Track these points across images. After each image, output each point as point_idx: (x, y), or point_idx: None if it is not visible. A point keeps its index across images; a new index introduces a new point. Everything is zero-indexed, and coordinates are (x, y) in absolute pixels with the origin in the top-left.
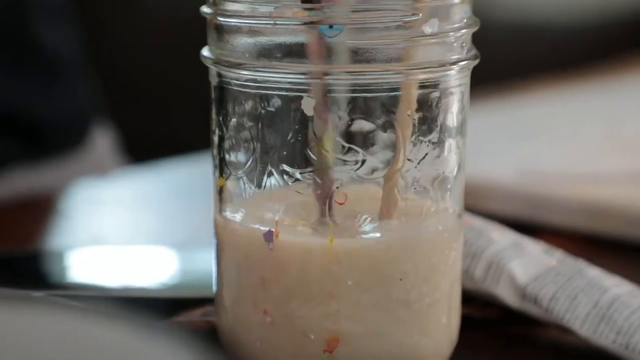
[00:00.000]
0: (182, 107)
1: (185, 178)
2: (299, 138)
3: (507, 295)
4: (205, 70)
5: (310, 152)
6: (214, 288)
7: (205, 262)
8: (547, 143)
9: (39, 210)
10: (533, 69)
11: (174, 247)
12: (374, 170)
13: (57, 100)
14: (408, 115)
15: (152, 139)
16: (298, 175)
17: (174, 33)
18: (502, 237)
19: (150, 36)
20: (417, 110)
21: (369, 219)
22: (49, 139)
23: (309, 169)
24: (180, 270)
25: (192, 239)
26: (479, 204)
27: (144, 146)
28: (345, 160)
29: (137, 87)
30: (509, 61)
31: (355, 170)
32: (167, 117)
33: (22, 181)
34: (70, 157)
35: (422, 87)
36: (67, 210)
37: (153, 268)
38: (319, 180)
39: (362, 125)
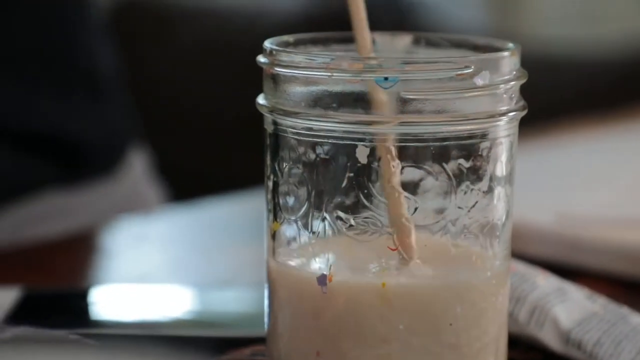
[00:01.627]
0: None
1: (225, 216)
2: (354, 185)
3: (551, 340)
4: (245, 108)
5: (364, 199)
6: (266, 328)
7: (251, 302)
8: (586, 186)
9: (81, 247)
10: (568, 111)
11: (217, 286)
12: (425, 216)
13: (95, 122)
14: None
15: (187, 169)
16: (352, 221)
17: (213, 65)
18: (545, 282)
19: (190, 68)
20: (468, 159)
21: (421, 264)
22: (85, 159)
23: (364, 215)
24: (226, 310)
25: (235, 277)
26: (518, 248)
27: (179, 175)
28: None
29: (173, 117)
30: (544, 104)
31: (409, 216)
32: (207, 150)
33: (56, 201)
34: (105, 179)
35: (472, 137)
36: (109, 247)
37: (198, 307)
38: (375, 225)
39: (415, 173)
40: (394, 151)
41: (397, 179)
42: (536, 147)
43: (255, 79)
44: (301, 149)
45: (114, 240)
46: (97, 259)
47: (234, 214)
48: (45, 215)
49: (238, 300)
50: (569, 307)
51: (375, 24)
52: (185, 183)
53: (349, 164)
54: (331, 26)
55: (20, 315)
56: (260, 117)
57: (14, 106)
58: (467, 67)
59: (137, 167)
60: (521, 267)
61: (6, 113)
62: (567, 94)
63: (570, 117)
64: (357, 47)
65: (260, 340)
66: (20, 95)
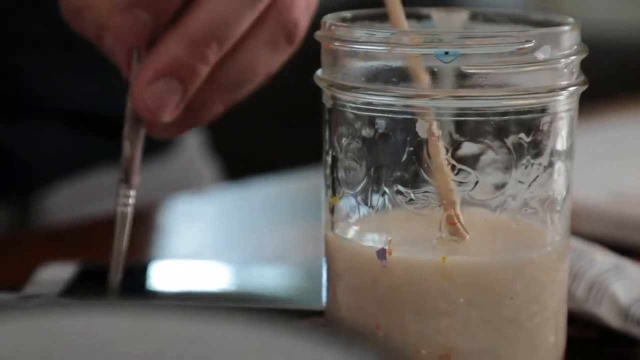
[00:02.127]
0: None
1: (277, 194)
2: (414, 159)
3: (609, 316)
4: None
5: (424, 173)
6: (324, 301)
7: (304, 277)
8: (638, 163)
9: (136, 224)
10: (621, 88)
11: (268, 262)
12: (485, 192)
13: None
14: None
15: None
16: (412, 195)
17: None
18: (603, 259)
19: None
20: (528, 133)
21: (481, 239)
22: None
23: (423, 189)
24: (280, 284)
25: (285, 254)
26: (572, 226)
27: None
28: (458, 182)
29: None
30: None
31: (468, 192)
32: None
33: (111, 179)
34: (160, 156)
35: (532, 111)
36: (162, 225)
37: (251, 282)
38: (434, 200)
39: (474, 148)
40: (433, 127)
41: (443, 154)
42: (589, 124)
43: (311, 54)
44: (360, 124)
45: (168, 217)
46: (151, 236)
47: (285, 193)
48: (100, 192)
49: (291, 276)
50: (628, 284)
51: (414, 2)
52: (239, 160)
53: (408, 139)
54: (370, 4)
55: (77, 289)
56: (314, 93)
57: (69, 86)
58: (528, 41)
59: (191, 144)
60: (578, 244)
61: (62, 93)
62: (629, 74)
63: (624, 96)
64: (392, 23)
65: (318, 313)
66: (74, 75)
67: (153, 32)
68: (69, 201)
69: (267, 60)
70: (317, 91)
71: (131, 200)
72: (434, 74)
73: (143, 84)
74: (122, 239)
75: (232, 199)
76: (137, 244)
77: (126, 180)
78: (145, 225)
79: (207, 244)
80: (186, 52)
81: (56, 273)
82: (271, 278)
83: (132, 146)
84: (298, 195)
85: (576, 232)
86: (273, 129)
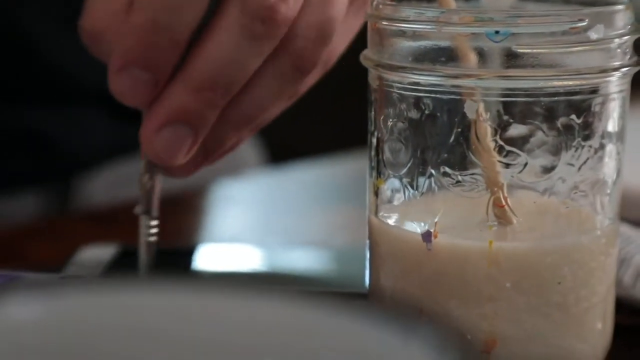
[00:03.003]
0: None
1: (318, 178)
2: (461, 140)
3: None
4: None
5: (472, 155)
6: (367, 285)
7: (347, 260)
8: None
9: (177, 207)
10: None
11: (309, 245)
12: (534, 174)
13: None
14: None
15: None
16: (459, 177)
17: None
18: None
19: None
20: (579, 115)
21: (529, 222)
22: None
23: (471, 172)
24: (323, 267)
25: (326, 238)
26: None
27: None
28: (507, 164)
29: None
30: None
31: (517, 173)
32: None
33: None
34: None
35: (583, 92)
36: (205, 208)
37: (293, 265)
38: (482, 183)
39: (523, 129)
40: (481, 108)
41: (491, 136)
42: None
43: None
44: (407, 104)
45: (211, 201)
46: (195, 220)
47: (327, 177)
48: (135, 179)
49: (334, 259)
50: None
51: None
52: (282, 144)
53: (456, 120)
54: None
55: (117, 269)
56: (358, 74)
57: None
58: (581, 20)
59: None
60: (626, 229)
61: (102, 79)
62: None
63: None
64: (439, 2)
65: (361, 297)
66: None
67: (155, 90)
68: (108, 186)
69: (281, 92)
70: (362, 72)
71: (154, 230)
72: (482, 54)
73: (151, 132)
74: (149, 262)
75: (275, 183)
76: (182, 228)
77: (147, 212)
78: (189, 209)
79: (250, 227)
80: (193, 99)
81: (96, 254)
82: (314, 261)
83: (150, 180)
84: (340, 179)
85: (624, 217)
86: (316, 111)
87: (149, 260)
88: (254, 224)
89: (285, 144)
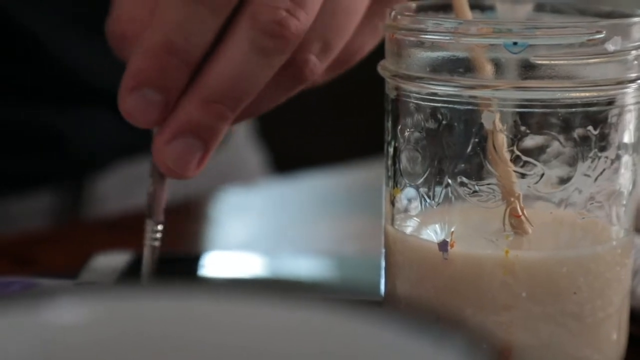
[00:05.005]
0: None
1: (327, 187)
2: (478, 151)
3: None
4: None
5: (488, 165)
6: (382, 293)
7: (360, 269)
8: None
9: (186, 214)
10: None
11: (321, 254)
12: (550, 185)
13: None
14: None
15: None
16: (476, 187)
17: None
18: None
19: None
20: (596, 126)
21: (545, 232)
22: None
23: (487, 182)
24: (335, 275)
25: (336, 247)
26: None
27: (283, 143)
28: (523, 174)
29: None
30: None
31: (534, 184)
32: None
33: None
34: None
35: (600, 104)
36: (212, 216)
37: (304, 273)
38: (499, 193)
39: (540, 140)
40: (497, 119)
41: (505, 147)
42: None
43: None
44: (424, 115)
45: (217, 209)
46: (201, 226)
47: (337, 185)
48: (145, 178)
49: (345, 267)
50: None
51: None
52: (292, 152)
53: (473, 130)
54: None
55: (131, 277)
56: (369, 84)
57: (119, 72)
58: (598, 32)
59: (240, 133)
60: (638, 240)
61: (113, 79)
62: None
63: None
64: (456, 13)
65: (376, 305)
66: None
67: (165, 111)
68: (120, 185)
69: (278, 97)
70: (373, 82)
71: (158, 235)
72: (498, 65)
73: (162, 144)
74: (152, 266)
75: (285, 191)
76: (192, 236)
77: (150, 216)
78: (199, 217)
79: (260, 236)
80: (203, 113)
81: (111, 261)
82: (325, 269)
83: (156, 186)
84: (350, 188)
85: (638, 228)
86: (326, 121)
87: (151, 264)
88: (264, 232)
89: (295, 153)
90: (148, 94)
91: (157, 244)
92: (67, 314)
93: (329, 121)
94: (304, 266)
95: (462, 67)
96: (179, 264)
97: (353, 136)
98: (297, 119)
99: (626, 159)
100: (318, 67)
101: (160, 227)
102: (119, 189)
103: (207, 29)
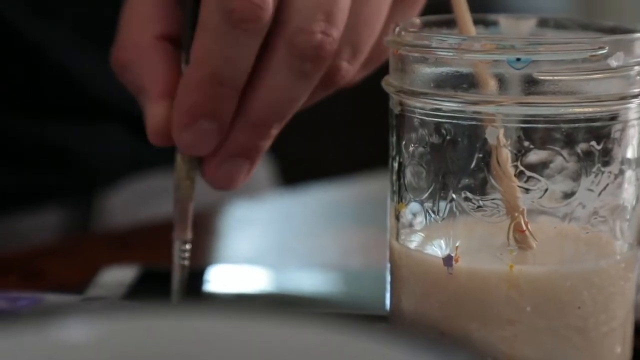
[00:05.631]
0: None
1: (332, 200)
2: (482, 166)
3: None
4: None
5: (493, 180)
6: (388, 308)
7: (364, 283)
8: None
9: (194, 229)
10: None
11: (326, 268)
12: (554, 200)
13: None
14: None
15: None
16: (480, 202)
17: None
18: None
19: None
20: (599, 141)
21: (549, 247)
22: None
23: (492, 197)
24: (340, 290)
25: (341, 261)
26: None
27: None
28: (527, 189)
29: None
30: None
31: (538, 199)
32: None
33: (167, 180)
34: None
35: (603, 119)
36: (218, 229)
37: (309, 287)
38: (503, 208)
39: (544, 155)
40: (501, 134)
41: (509, 162)
42: None
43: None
44: (429, 130)
45: (223, 222)
46: (207, 241)
47: (343, 199)
48: (158, 193)
49: (349, 281)
50: None
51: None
52: (297, 166)
53: (478, 145)
54: (436, 11)
55: (140, 292)
56: (370, 99)
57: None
58: (601, 48)
59: None
60: None
61: (120, 95)
62: None
63: None
64: (459, 29)
65: (381, 319)
66: None
67: (220, 136)
68: (128, 202)
69: (310, 100)
70: (373, 98)
71: (187, 254)
72: (502, 80)
73: (213, 169)
74: (182, 285)
75: (289, 205)
76: (196, 249)
77: (178, 234)
78: (204, 230)
79: (265, 249)
80: (251, 137)
81: (118, 276)
82: (330, 283)
83: (185, 205)
84: (354, 201)
85: None
86: (331, 134)
87: (181, 284)
88: (269, 246)
89: (299, 165)
90: (204, 125)
91: (186, 262)
92: (76, 332)
93: (334, 134)
94: (309, 280)
95: (466, 82)
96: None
97: (357, 149)
98: (302, 132)
99: (629, 173)
100: (350, 72)
101: (188, 246)
102: (128, 204)
103: (247, 52)
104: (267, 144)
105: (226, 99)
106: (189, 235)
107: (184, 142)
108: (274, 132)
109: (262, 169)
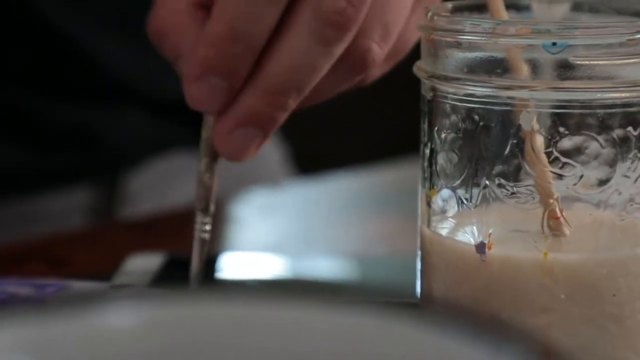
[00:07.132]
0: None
1: (354, 188)
2: (516, 152)
3: None
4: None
5: (527, 166)
6: (418, 295)
7: (392, 270)
8: None
9: (216, 217)
10: None
11: (352, 255)
12: (589, 186)
13: None
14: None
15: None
16: (514, 189)
17: None
18: None
19: None
20: (636, 127)
21: (584, 234)
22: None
23: (525, 183)
24: (366, 276)
25: (365, 249)
26: None
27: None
28: (562, 175)
29: None
30: None
31: (573, 185)
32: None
33: (186, 161)
34: None
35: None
36: (238, 217)
37: (335, 275)
38: (537, 194)
39: (579, 140)
40: (535, 120)
41: (542, 148)
42: None
43: None
44: (461, 116)
45: (244, 210)
46: (228, 228)
47: (366, 186)
48: (181, 175)
49: (376, 269)
50: None
51: None
52: (320, 154)
53: (511, 131)
54: None
55: (166, 278)
56: (396, 85)
57: (149, 71)
58: (638, 32)
59: None
60: None
61: (143, 78)
62: None
63: None
64: (491, 13)
65: (414, 306)
66: (155, 61)
67: (230, 96)
68: (152, 182)
69: (338, 87)
70: (395, 86)
71: (208, 227)
72: (536, 65)
73: (224, 133)
74: (201, 259)
75: (312, 193)
76: (218, 237)
77: (205, 210)
78: (224, 218)
79: (288, 237)
80: (265, 104)
81: (144, 263)
82: (356, 271)
83: (211, 178)
84: (379, 189)
85: None
86: (354, 122)
87: (200, 258)
88: (292, 234)
89: (322, 154)
90: (213, 80)
91: (207, 236)
92: (116, 318)
93: (357, 122)
94: (335, 268)
95: (499, 67)
96: (207, 266)
97: (381, 137)
98: (323, 121)
99: None
100: (379, 55)
101: (210, 220)
102: (152, 185)
103: (269, 15)
104: (283, 116)
105: (240, 57)
106: (211, 208)
107: (191, 94)
108: (291, 103)
109: (273, 152)
